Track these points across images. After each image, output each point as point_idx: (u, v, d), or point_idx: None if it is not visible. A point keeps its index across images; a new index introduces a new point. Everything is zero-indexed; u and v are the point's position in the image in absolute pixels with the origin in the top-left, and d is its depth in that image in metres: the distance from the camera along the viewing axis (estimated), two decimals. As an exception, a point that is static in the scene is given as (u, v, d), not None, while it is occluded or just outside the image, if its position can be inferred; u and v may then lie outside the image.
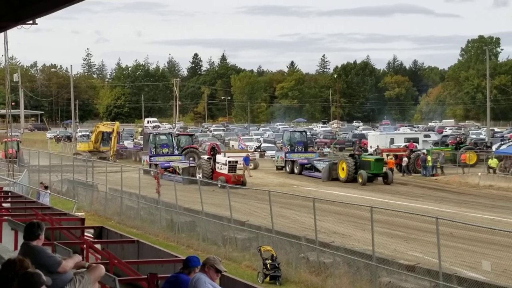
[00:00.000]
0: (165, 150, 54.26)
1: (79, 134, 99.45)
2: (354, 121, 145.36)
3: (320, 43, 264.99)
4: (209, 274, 8.84)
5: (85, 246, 13.54)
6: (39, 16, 15.91)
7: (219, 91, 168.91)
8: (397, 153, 55.82)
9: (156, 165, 50.51)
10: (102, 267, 9.01)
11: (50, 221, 15.78)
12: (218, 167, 45.92)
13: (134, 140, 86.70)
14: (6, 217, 16.04)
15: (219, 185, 39.21)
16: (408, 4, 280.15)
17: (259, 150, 70.67)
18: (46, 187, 33.70)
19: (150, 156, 53.12)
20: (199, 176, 44.70)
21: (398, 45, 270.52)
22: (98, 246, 14.02)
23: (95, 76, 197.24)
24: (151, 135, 57.16)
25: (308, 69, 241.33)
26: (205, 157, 48.12)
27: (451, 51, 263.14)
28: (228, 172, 44.69)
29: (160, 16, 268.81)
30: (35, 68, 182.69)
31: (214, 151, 47.87)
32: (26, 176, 41.59)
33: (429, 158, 52.48)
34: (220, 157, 46.72)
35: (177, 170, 48.39)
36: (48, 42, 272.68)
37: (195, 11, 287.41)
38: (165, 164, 50.11)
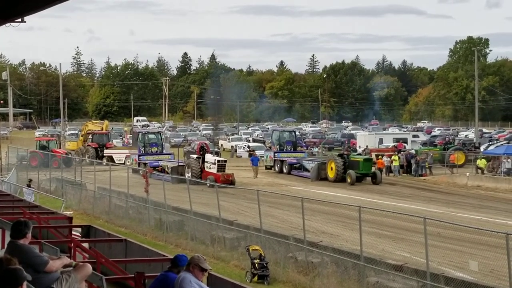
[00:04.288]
0: (154, 149, 54.15)
1: (68, 132, 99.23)
2: (343, 121, 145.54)
3: (312, 43, 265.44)
4: (194, 273, 8.85)
5: (72, 245, 13.51)
6: (27, 14, 15.87)
7: (208, 90, 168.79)
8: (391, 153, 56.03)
9: (145, 164, 50.43)
10: (89, 266, 9.01)
11: (37, 219, 15.74)
12: (207, 166, 45.93)
13: (123, 139, 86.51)
14: (-7, 216, 15.98)
15: (208, 184, 39.21)
16: (401, 4, 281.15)
17: (248, 149, 70.66)
18: (28, 184, 33.84)
19: (139, 155, 53.01)
20: (188, 175, 44.67)
21: (390, 46, 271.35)
22: (85, 245, 13.99)
23: (84, 74, 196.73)
24: (140, 134, 57.04)
25: (298, 69, 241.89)
26: (194, 156, 48.11)
27: (442, 51, 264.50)
28: (217, 172, 44.70)
29: (153, 15, 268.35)
30: (24, 66, 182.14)
31: (203, 150, 47.85)
32: (14, 174, 41.46)
33: (395, 157, 52.93)
34: (209, 157, 46.72)
35: (166, 169, 48.32)
36: (40, 41, 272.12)
37: (188, 10, 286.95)
38: (154, 163, 50.02)
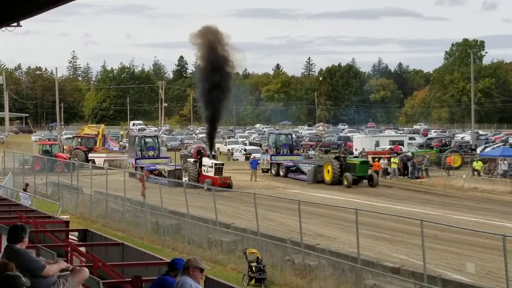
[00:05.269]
0: (150, 153, 54.12)
1: (64, 137, 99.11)
2: (340, 124, 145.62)
3: (308, 45, 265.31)
4: (194, 276, 8.83)
5: (69, 249, 13.48)
6: (23, 18, 15.82)
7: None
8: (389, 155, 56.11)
9: (141, 168, 50.35)
10: (86, 270, 9.00)
11: (34, 224, 15.70)
12: (204, 170, 45.84)
13: (120, 142, 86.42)
14: (-10, 220, 15.94)
15: (205, 188, 39.16)
16: (397, 7, 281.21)
17: (245, 152, 70.66)
18: (25, 189, 33.81)
19: (136, 159, 52.98)
20: (185, 179, 44.58)
21: (386, 48, 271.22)
22: (82, 249, 13.96)
23: (80, 78, 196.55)
24: (136, 137, 57.01)
25: (294, 71, 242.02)
26: (192, 160, 48.01)
27: (438, 54, 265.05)
28: (215, 175, 44.62)
29: (149, 18, 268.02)
30: (20, 70, 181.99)
31: (200, 154, 47.76)
32: (11, 179, 41.40)
33: (394, 160, 52.98)
34: (206, 160, 46.63)
35: (163, 172, 48.27)
36: (37, 45, 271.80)
37: (185, 13, 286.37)
38: (151, 167, 49.99)
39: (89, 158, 60.84)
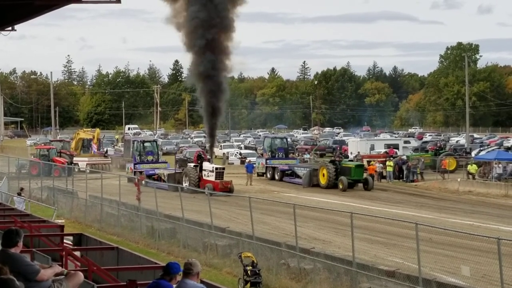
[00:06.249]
0: (149, 158, 53.93)
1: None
2: (335, 127, 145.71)
3: (304, 49, 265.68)
4: (199, 279, 8.89)
5: (64, 253, 13.46)
6: (18, 22, 15.85)
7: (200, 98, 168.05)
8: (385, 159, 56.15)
9: (140, 172, 50.20)
10: (81, 274, 9.01)
11: (29, 228, 15.68)
12: (205, 175, 45.58)
13: (115, 147, 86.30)
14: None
15: (206, 193, 38.92)
16: (393, 11, 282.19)
17: (240, 156, 70.66)
18: (19, 193, 33.78)
19: (135, 164, 52.81)
20: (186, 184, 44.38)
21: (382, 52, 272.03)
22: (77, 253, 13.94)
23: (75, 83, 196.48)
24: (135, 142, 56.75)
25: (289, 75, 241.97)
26: (192, 164, 47.76)
27: (433, 57, 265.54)
28: (215, 179, 44.40)
29: (145, 22, 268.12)
30: (15, 75, 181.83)
31: (200, 158, 47.53)
32: (6, 183, 41.29)
33: (389, 163, 52.99)
34: (206, 165, 46.35)
35: (162, 177, 48.08)
36: (32, 49, 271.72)
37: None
38: (150, 172, 49.85)
39: (73, 162, 60.80)
